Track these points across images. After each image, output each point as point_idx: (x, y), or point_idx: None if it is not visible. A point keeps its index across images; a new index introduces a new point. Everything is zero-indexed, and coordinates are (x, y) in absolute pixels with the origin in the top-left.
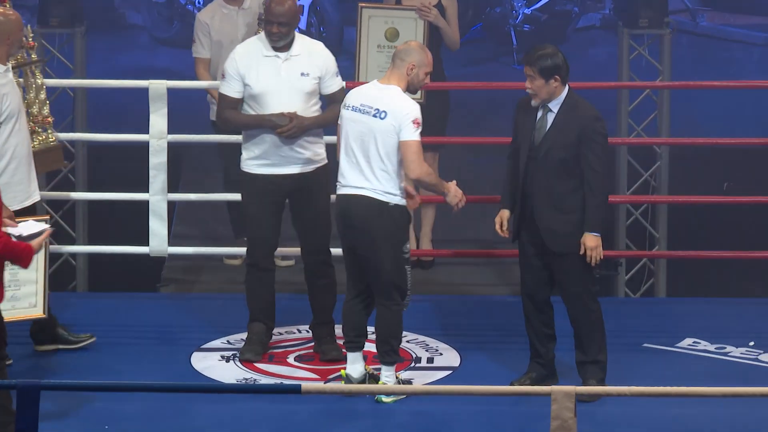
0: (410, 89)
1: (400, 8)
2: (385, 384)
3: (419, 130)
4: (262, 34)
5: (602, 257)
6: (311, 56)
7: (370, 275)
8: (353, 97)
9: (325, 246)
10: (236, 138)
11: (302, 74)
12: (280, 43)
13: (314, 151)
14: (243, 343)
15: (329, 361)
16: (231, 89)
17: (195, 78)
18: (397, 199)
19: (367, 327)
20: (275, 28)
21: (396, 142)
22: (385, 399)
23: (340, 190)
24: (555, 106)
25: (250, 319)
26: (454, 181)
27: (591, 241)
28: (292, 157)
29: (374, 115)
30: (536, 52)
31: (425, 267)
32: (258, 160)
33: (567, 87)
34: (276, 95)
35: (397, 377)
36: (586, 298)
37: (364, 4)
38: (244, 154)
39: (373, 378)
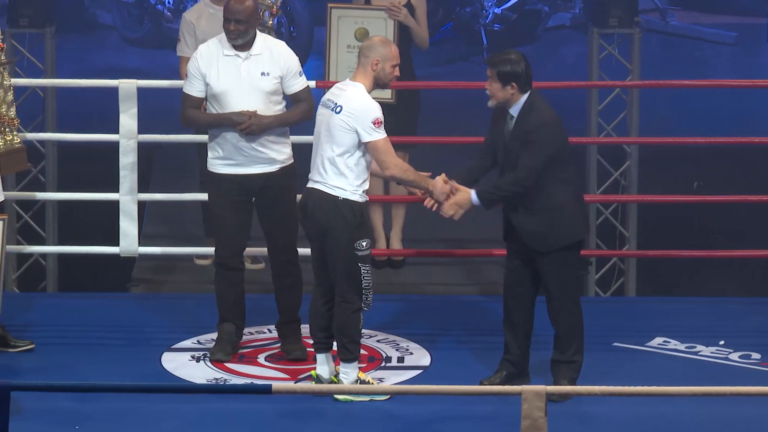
0: (379, 84)
1: (370, 8)
2: (341, 381)
3: (382, 128)
4: (222, 34)
5: (451, 217)
6: (272, 55)
7: (328, 271)
8: (327, 93)
9: (291, 246)
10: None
11: (262, 74)
12: (238, 41)
13: (278, 150)
14: (213, 343)
15: (293, 360)
16: (193, 89)
17: (165, 77)
18: (348, 194)
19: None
20: (232, 26)
21: (350, 139)
22: (338, 397)
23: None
24: (515, 111)
25: (219, 319)
26: (443, 175)
27: (463, 197)
28: (254, 156)
29: (332, 109)
30: (499, 55)
31: (396, 267)
32: (222, 159)
33: (528, 93)
34: (235, 94)
35: (359, 376)
36: (566, 299)
37: (333, 5)
38: (210, 154)
39: None
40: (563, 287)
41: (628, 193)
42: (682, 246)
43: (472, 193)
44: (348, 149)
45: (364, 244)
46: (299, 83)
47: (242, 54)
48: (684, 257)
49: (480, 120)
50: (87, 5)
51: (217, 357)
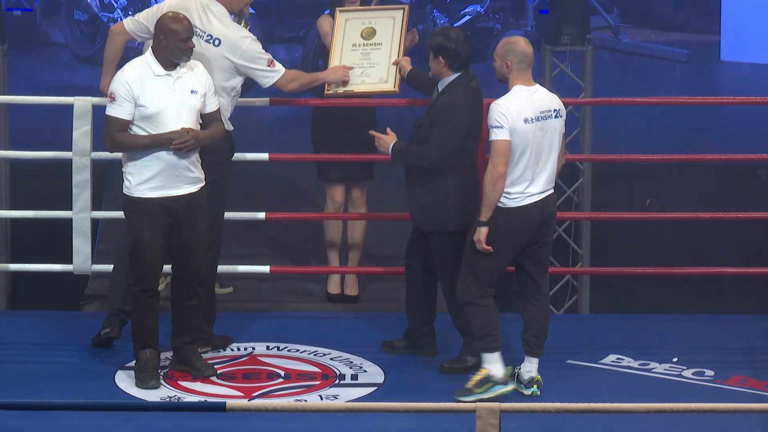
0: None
1: (378, 8)
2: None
3: None
4: (147, 54)
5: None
6: (195, 74)
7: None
8: (524, 110)
9: (201, 266)
10: None
11: (192, 92)
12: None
13: (200, 169)
14: (168, 360)
15: (206, 377)
16: (123, 111)
17: None
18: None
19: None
20: (191, 43)
21: None
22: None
23: (525, 200)
24: (441, 87)
25: (140, 346)
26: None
27: (388, 139)
28: (184, 176)
29: (554, 117)
30: (439, 29)
31: (350, 302)
32: (150, 183)
33: (459, 74)
34: (170, 113)
35: (487, 374)
36: (451, 286)
37: (341, 8)
38: (133, 180)
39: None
40: (446, 272)
41: (581, 210)
42: (635, 263)
43: (392, 143)
44: None
45: None
46: (216, 102)
47: (173, 74)
48: (637, 274)
49: None
50: (39, 23)
51: (151, 385)
